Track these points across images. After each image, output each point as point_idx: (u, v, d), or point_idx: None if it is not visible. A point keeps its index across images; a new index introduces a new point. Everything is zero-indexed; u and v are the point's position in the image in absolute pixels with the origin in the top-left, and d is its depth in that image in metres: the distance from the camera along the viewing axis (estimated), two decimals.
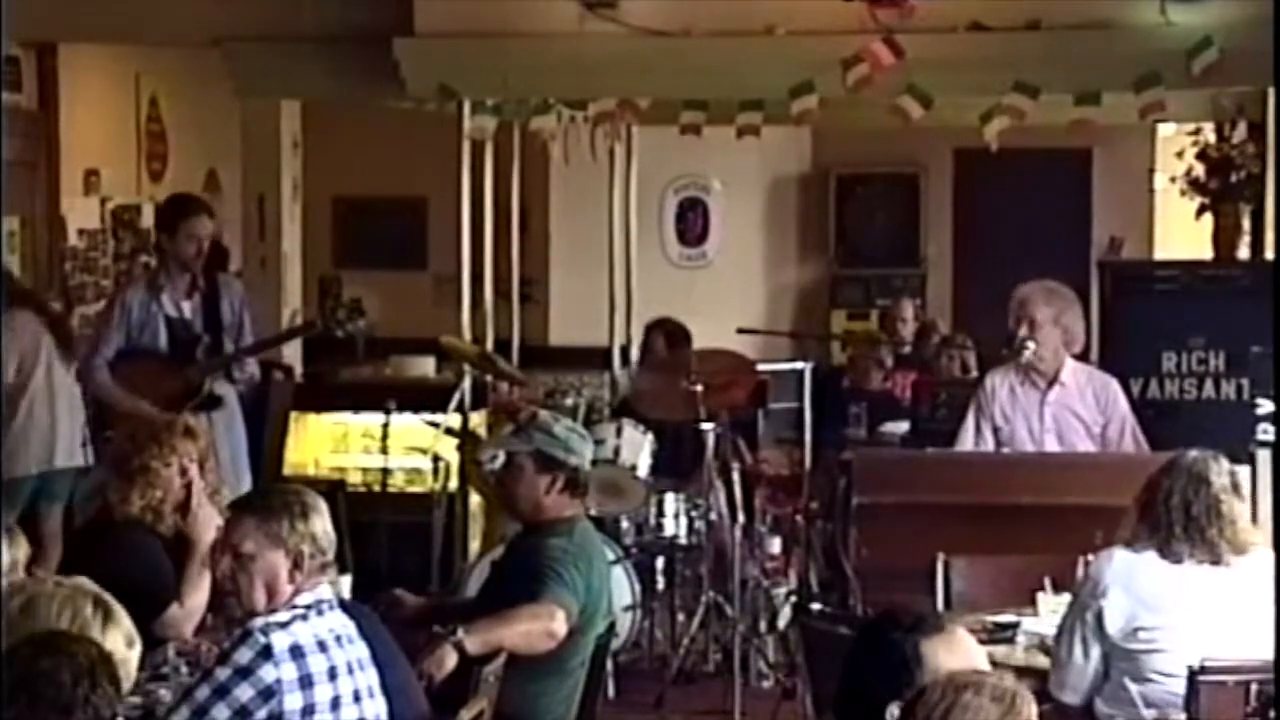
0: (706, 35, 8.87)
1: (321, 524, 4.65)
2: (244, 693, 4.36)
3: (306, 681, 4.41)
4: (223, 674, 4.38)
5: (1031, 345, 7.67)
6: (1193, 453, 5.48)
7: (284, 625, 4.47)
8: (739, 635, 8.32)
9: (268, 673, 4.37)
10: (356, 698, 4.53)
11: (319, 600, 4.59)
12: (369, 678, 4.61)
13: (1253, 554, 5.37)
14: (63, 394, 9.02)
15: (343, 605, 4.74)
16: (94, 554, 5.67)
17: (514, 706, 5.41)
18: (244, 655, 4.39)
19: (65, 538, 8.46)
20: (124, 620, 4.01)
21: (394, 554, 9.26)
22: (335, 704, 4.46)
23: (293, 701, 4.39)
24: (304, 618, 4.51)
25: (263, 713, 4.36)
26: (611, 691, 7.99)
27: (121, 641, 3.96)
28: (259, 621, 4.49)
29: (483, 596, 6.00)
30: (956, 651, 3.73)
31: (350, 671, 4.54)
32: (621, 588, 8.31)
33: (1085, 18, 8.61)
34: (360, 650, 4.62)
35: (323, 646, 4.49)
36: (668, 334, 10.46)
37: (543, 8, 9.03)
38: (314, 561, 4.60)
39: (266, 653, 4.39)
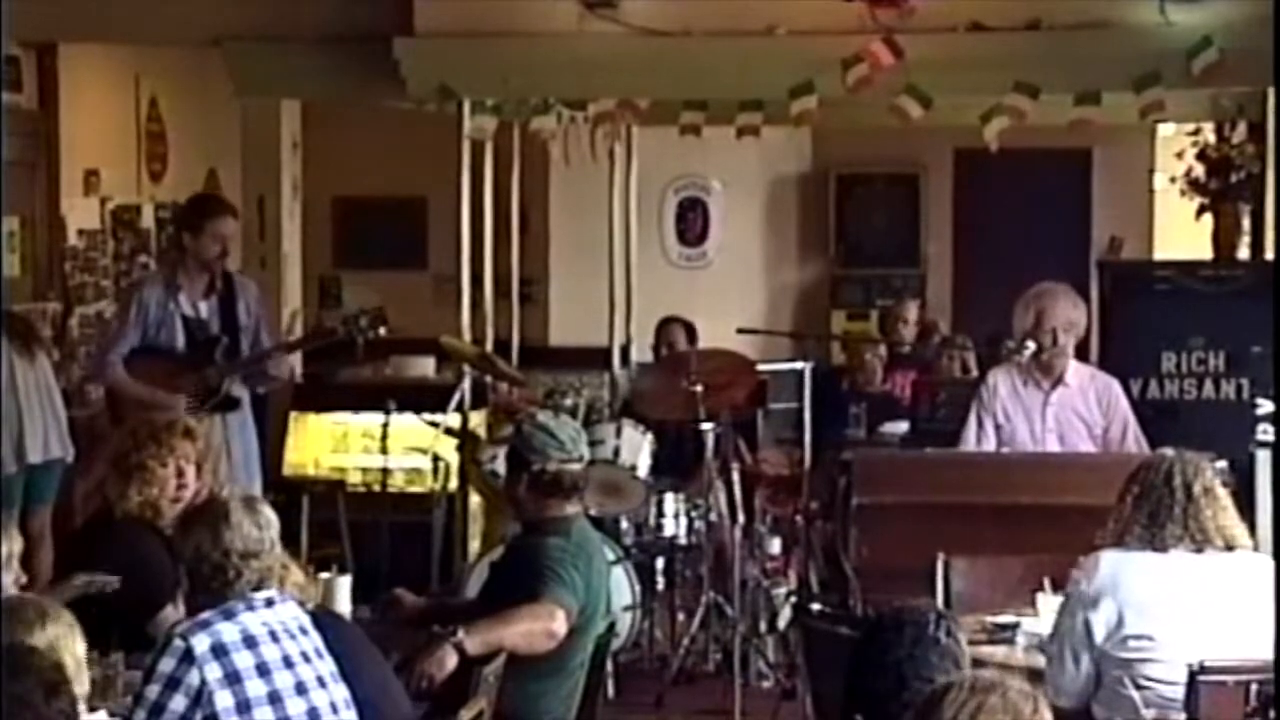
0: (706, 35, 8.87)
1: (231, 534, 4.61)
2: (178, 704, 4.33)
3: (234, 678, 4.37)
4: (152, 691, 4.35)
5: (1031, 345, 7.66)
6: (1170, 451, 5.53)
7: (204, 625, 4.43)
8: (739, 635, 8.32)
9: (193, 676, 4.34)
10: (301, 690, 4.47)
11: (253, 596, 4.55)
12: (320, 667, 4.56)
13: (1240, 551, 5.38)
14: (30, 389, 8.98)
15: (313, 614, 4.73)
16: (94, 550, 5.67)
17: (514, 706, 5.41)
18: (167, 664, 4.36)
19: (66, 534, 8.44)
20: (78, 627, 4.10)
21: (394, 554, 9.26)
22: (274, 698, 4.41)
23: (223, 700, 4.34)
24: (229, 615, 4.47)
25: (198, 716, 4.33)
26: (611, 691, 7.98)
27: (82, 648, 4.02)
28: (179, 626, 4.48)
29: (483, 597, 6.00)
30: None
31: (290, 665, 4.48)
32: (621, 588, 8.31)
33: (1085, 18, 8.61)
34: (313, 641, 4.59)
35: (251, 642, 4.44)
36: (688, 328, 10.51)
37: (543, 8, 9.02)
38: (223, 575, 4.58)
39: (188, 656, 4.36)
